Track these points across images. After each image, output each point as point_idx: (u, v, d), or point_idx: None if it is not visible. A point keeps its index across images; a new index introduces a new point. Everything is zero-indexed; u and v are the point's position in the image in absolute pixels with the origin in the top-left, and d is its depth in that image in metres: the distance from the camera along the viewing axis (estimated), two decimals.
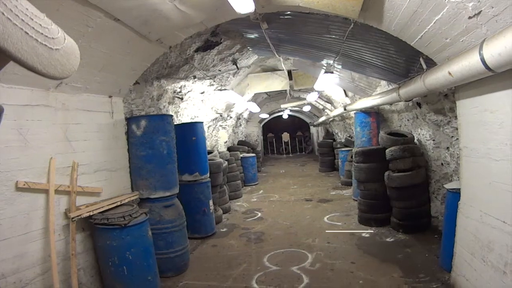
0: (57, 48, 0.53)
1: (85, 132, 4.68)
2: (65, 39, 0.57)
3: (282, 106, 17.15)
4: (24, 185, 3.63)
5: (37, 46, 0.49)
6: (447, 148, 5.80)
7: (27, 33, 0.48)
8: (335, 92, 11.38)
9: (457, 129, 4.69)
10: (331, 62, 6.75)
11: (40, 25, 0.51)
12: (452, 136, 5.44)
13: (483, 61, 2.77)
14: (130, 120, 5.56)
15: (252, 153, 15.66)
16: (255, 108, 14.74)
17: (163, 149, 5.49)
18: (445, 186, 5.26)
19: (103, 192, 4.92)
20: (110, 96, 5.22)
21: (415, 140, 7.09)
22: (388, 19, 3.77)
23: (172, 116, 6.01)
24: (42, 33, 0.51)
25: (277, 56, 7.82)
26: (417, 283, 4.71)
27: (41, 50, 0.50)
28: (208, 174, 7.64)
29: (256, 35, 6.47)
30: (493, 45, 2.63)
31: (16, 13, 0.46)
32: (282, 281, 5.14)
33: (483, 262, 3.56)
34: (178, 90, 7.80)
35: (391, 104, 7.38)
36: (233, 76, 9.54)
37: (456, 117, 4.59)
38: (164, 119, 5.69)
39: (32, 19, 0.50)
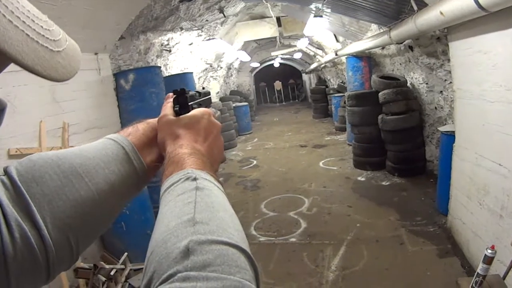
0: (59, 50, 0.52)
1: (73, 92, 4.60)
2: (66, 41, 0.56)
3: (273, 53, 16.85)
4: (16, 151, 3.60)
5: (38, 48, 0.48)
6: (441, 92, 5.74)
7: (28, 35, 0.46)
8: (325, 38, 11.15)
9: (450, 72, 4.63)
10: (320, 5, 6.55)
11: (42, 27, 0.50)
12: (446, 80, 5.36)
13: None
14: (118, 75, 5.50)
15: (245, 102, 15.54)
16: (245, 57, 14.51)
17: (153, 101, 5.45)
18: (439, 129, 5.26)
19: None
20: (96, 53, 5.10)
21: (408, 84, 7.03)
22: None
23: (160, 67, 6.02)
24: (43, 35, 0.49)
25: (264, 1, 7.60)
26: (414, 226, 4.80)
27: (43, 53, 0.48)
28: None
29: None
30: None
31: (17, 15, 0.45)
32: (280, 227, 5.24)
33: (479, 205, 3.57)
34: (166, 42, 7.61)
35: (382, 47, 7.26)
36: (221, 26, 9.30)
37: (449, 60, 4.52)
38: (152, 71, 5.67)
39: (34, 21, 0.48)
